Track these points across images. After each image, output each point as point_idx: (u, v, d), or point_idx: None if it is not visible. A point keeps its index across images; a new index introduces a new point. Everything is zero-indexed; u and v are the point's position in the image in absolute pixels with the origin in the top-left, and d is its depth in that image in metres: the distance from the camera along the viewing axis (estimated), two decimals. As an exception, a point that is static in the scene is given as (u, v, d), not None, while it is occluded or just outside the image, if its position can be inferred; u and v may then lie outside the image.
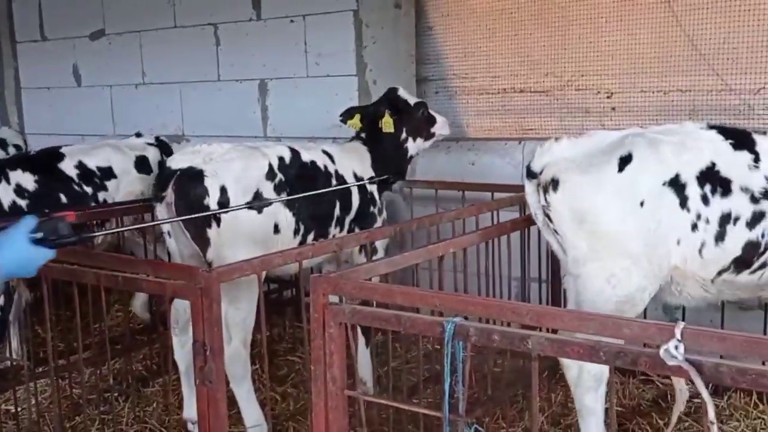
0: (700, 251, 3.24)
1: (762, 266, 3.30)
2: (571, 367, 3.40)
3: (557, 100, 5.81)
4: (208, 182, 3.69)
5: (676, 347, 1.76)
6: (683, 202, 3.20)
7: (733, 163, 3.25)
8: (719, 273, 3.31)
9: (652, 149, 3.27)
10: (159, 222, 3.94)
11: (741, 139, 3.33)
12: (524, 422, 4.00)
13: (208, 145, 3.88)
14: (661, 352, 1.77)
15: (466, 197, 5.04)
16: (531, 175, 3.52)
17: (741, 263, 3.28)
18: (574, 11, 5.60)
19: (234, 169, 3.78)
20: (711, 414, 1.70)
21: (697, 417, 4.01)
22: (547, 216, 3.45)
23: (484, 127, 6.19)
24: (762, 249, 3.26)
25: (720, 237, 3.22)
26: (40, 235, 2.21)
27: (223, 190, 3.71)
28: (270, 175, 3.90)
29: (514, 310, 2.01)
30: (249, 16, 6.66)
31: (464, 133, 6.26)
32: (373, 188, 4.47)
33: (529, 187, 3.54)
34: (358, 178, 4.39)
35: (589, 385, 3.37)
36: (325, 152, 4.34)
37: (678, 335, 1.76)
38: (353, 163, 4.44)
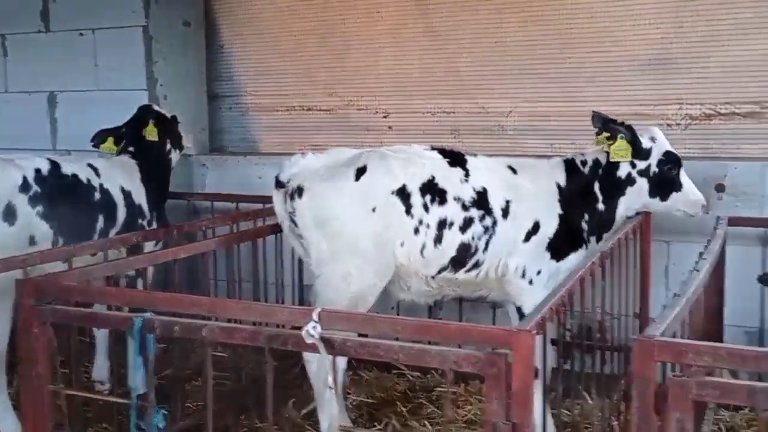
0: (422, 252, 3.71)
1: (476, 266, 3.81)
2: (311, 362, 3.71)
3: (340, 119, 6.20)
4: (-47, 194, 3.68)
5: (314, 327, 2.07)
6: (408, 209, 3.66)
7: (448, 177, 3.78)
8: (440, 271, 3.79)
9: (383, 162, 3.73)
10: None
11: (455, 159, 3.88)
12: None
13: (-43, 158, 3.86)
14: (303, 332, 2.08)
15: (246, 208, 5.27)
16: (279, 185, 3.88)
17: (457, 263, 3.78)
18: (352, 36, 6.01)
19: (-18, 182, 3.78)
20: (330, 381, 2.02)
21: (439, 404, 4.45)
22: (293, 221, 3.77)
23: (274, 142, 6.47)
24: (473, 250, 3.77)
25: (438, 239, 3.71)
26: None
27: (-29, 202, 3.71)
28: (24, 187, 3.93)
29: (191, 302, 2.26)
30: (37, 27, 6.55)
31: (255, 148, 6.52)
32: (141, 200, 4.59)
33: (277, 196, 3.91)
34: (125, 192, 4.49)
35: (324, 377, 3.68)
36: (90, 165, 4.41)
37: (315, 317, 2.07)
38: (121, 176, 4.52)
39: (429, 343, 2.07)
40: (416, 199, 3.67)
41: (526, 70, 5.45)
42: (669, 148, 4.01)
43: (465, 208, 3.73)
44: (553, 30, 5.32)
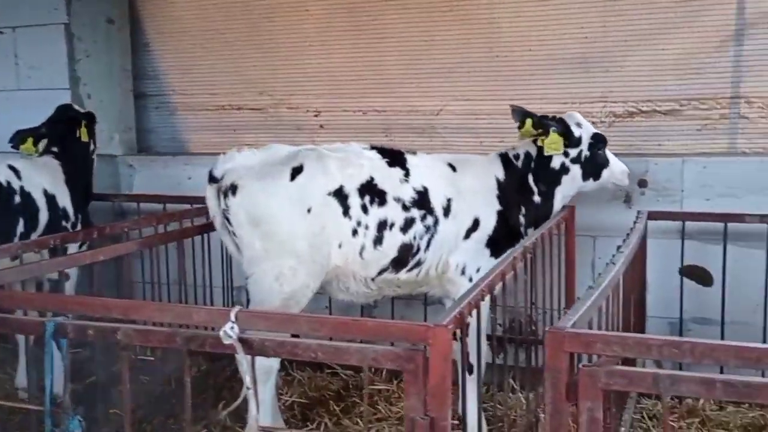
0: (360, 253, 3.68)
1: (417, 265, 3.82)
2: (243, 363, 3.64)
3: (272, 118, 6.14)
4: None
5: (232, 328, 2.04)
6: (346, 211, 3.63)
7: (387, 177, 3.76)
8: (380, 272, 3.77)
9: (320, 163, 3.67)
10: None
11: (395, 158, 3.86)
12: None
13: None
14: (221, 333, 2.05)
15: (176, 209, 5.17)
16: (213, 180, 3.78)
17: (398, 263, 3.76)
18: (280, 34, 5.95)
19: None
20: (248, 381, 2.00)
21: (371, 402, 4.45)
22: (227, 219, 3.71)
23: (204, 142, 6.36)
24: (415, 250, 3.77)
25: (378, 241, 3.69)
26: None
27: None
28: (-63, 189, 3.79)
29: (104, 305, 2.21)
30: (-45, 25, 6.30)
31: (185, 149, 6.40)
32: (66, 203, 4.46)
33: (211, 192, 3.80)
34: (48, 195, 4.35)
35: (259, 378, 3.63)
36: (11, 167, 4.27)
37: (233, 317, 2.05)
38: (43, 178, 4.39)
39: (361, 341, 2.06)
40: (354, 201, 3.64)
41: (454, 70, 5.49)
42: (594, 129, 4.19)
43: (406, 208, 3.73)
44: (480, 29, 5.38)
